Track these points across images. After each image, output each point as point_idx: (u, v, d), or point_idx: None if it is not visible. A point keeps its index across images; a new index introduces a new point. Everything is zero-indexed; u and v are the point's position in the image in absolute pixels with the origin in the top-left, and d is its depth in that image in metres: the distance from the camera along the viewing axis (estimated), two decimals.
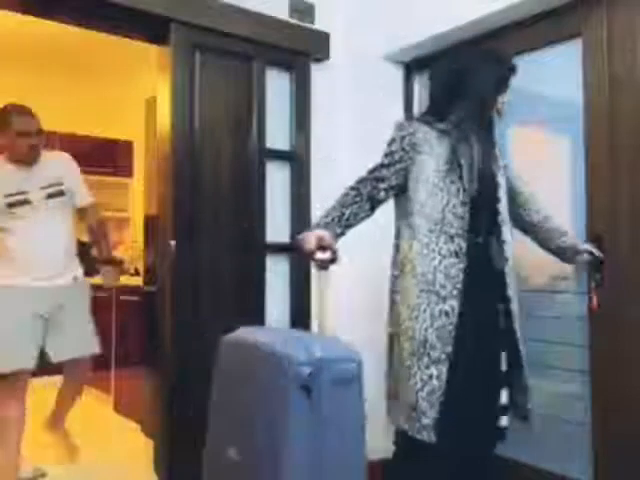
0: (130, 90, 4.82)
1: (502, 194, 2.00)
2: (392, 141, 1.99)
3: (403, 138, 1.95)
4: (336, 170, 2.91)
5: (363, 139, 2.90)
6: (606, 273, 2.14)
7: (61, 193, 2.65)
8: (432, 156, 1.93)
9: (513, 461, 2.42)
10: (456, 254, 1.88)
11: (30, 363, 2.49)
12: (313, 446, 1.49)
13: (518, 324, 1.97)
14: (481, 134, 1.98)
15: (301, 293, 2.91)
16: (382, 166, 1.97)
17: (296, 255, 2.81)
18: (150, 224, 3.65)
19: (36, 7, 2.41)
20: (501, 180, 2.01)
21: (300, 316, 2.89)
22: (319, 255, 1.85)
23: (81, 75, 4.98)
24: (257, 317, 2.71)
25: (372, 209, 1.98)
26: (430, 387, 1.84)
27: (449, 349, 1.85)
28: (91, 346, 2.70)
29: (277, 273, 2.88)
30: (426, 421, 1.83)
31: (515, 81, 2.04)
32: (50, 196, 2.61)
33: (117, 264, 3.05)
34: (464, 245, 1.89)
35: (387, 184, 1.96)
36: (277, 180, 2.88)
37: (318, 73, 2.99)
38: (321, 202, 2.89)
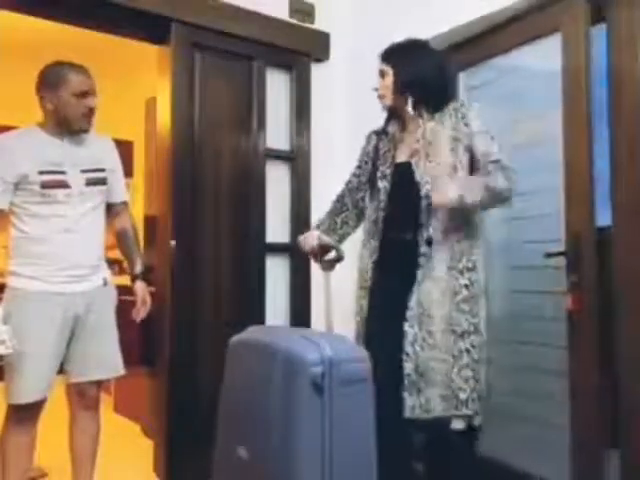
0: (130, 90, 4.81)
1: (430, 188, 1.83)
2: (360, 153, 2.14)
3: (362, 149, 2.14)
4: (336, 170, 2.91)
5: (363, 139, 2.89)
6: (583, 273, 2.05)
7: (102, 182, 2.16)
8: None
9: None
10: (377, 249, 1.95)
11: (50, 390, 2.05)
12: (324, 445, 1.50)
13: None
14: (414, 130, 1.96)
15: (301, 293, 2.91)
16: (353, 176, 2.13)
17: (298, 255, 2.81)
18: (150, 224, 3.64)
19: (36, 7, 2.41)
20: (422, 175, 1.87)
21: (300, 316, 2.89)
22: (323, 256, 1.88)
23: None
24: (257, 317, 2.71)
25: (360, 216, 2.10)
26: None
27: (360, 340, 1.97)
28: (118, 367, 2.20)
29: (277, 273, 2.88)
30: None
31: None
32: (89, 183, 2.11)
33: (149, 281, 2.43)
34: (381, 240, 1.94)
35: (362, 194, 2.08)
36: (277, 180, 2.89)
37: (318, 73, 2.99)
38: (320, 202, 2.89)
